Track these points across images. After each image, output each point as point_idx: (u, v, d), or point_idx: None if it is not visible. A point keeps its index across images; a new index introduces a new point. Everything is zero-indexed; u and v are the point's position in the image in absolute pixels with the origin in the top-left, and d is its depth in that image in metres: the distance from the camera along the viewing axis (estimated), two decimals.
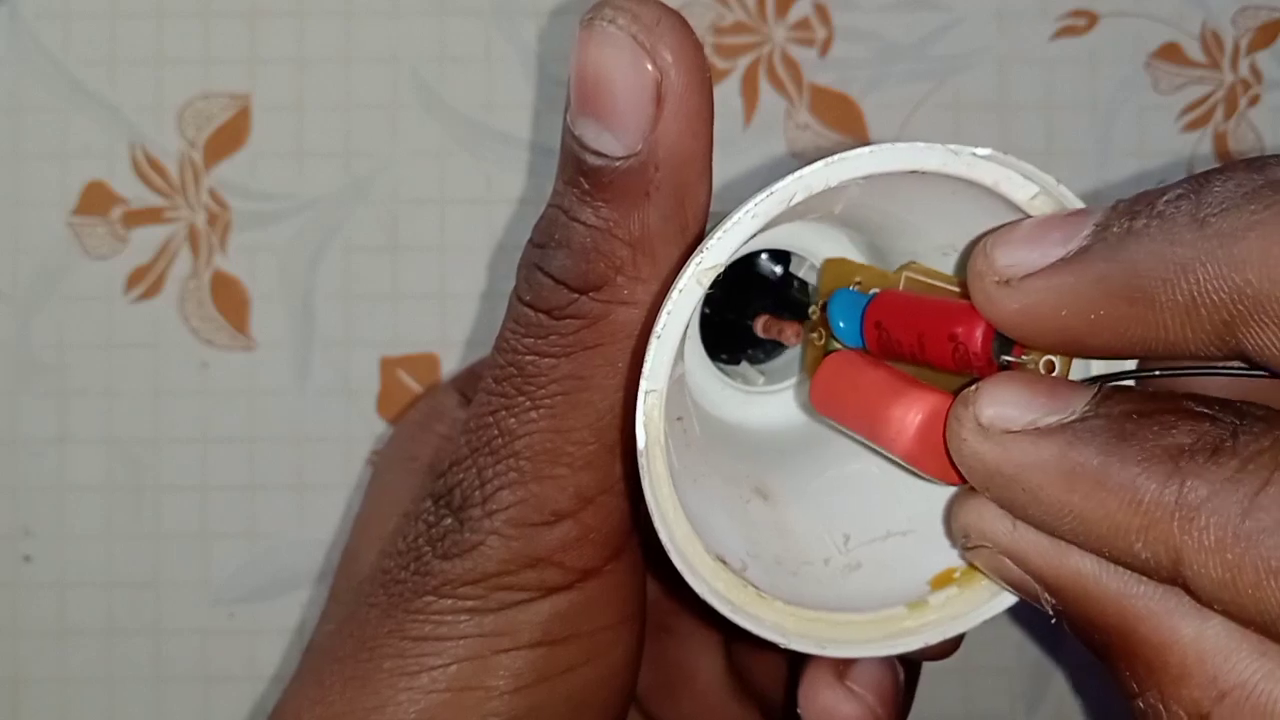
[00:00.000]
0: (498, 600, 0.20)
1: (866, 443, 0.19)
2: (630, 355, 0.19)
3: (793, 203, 0.17)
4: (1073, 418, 0.16)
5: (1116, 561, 0.16)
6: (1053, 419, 0.16)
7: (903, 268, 0.20)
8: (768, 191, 0.17)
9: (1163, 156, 0.34)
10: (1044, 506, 0.16)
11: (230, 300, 0.33)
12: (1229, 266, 0.14)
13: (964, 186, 0.18)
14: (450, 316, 0.34)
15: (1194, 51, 0.34)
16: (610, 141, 0.18)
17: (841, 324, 0.20)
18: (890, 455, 0.18)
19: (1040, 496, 0.16)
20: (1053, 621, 0.17)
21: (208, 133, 0.34)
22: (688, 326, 0.18)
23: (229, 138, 0.34)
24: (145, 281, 0.33)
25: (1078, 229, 0.16)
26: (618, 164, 0.18)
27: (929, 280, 0.19)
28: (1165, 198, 0.15)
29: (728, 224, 0.17)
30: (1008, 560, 0.17)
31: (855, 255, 0.22)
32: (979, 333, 0.17)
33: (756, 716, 0.26)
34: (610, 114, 0.18)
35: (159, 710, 0.33)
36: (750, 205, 0.17)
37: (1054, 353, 0.17)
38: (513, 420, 0.20)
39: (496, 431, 0.20)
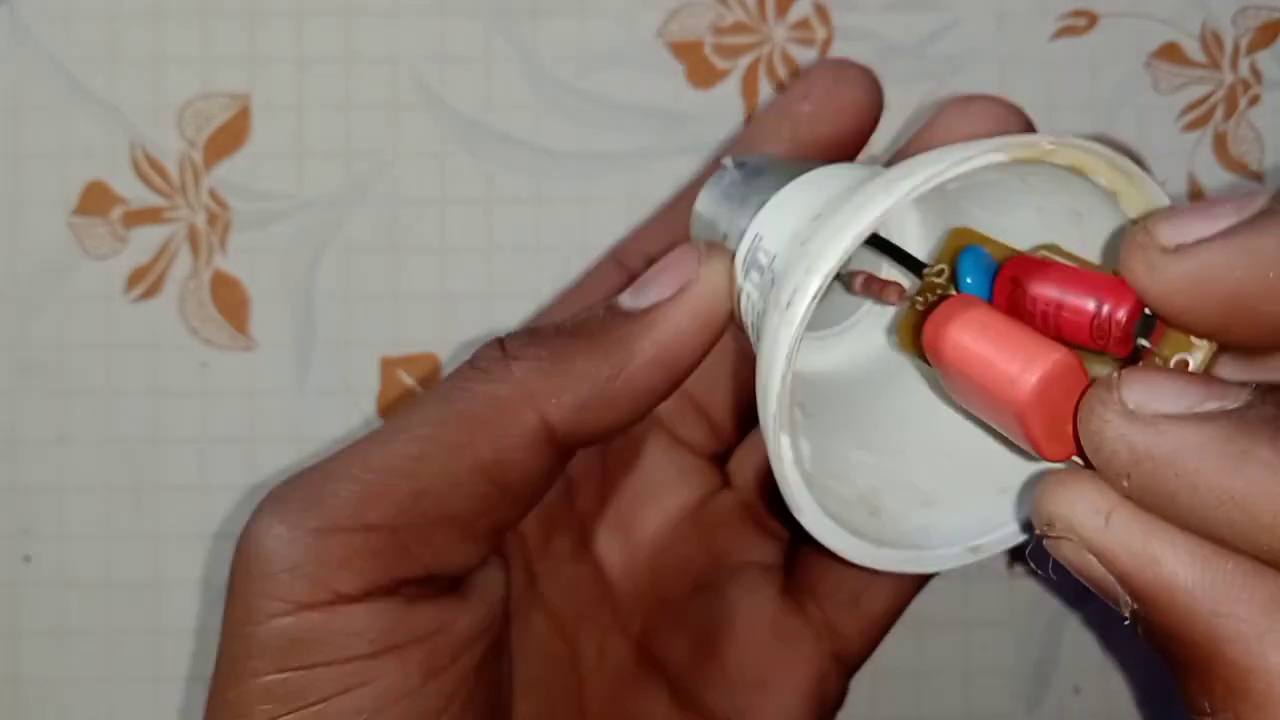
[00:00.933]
0: (257, 611, 0.20)
1: (962, 401, 0.19)
2: (485, 425, 0.21)
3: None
4: (1238, 405, 0.16)
5: (1268, 556, 0.15)
6: (1213, 405, 0.16)
7: (1039, 247, 0.19)
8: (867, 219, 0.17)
9: (1163, 157, 0.34)
10: (1202, 493, 0.15)
11: (230, 300, 0.34)
12: None
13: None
14: (450, 316, 0.34)
15: (1194, 52, 0.34)
16: (631, 299, 0.22)
17: (970, 279, 0.19)
18: (996, 415, 0.18)
19: (1199, 481, 0.15)
20: (1126, 623, 0.17)
21: (208, 133, 0.34)
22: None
23: (229, 138, 0.34)
24: (145, 281, 0.33)
25: (1252, 201, 0.16)
26: (628, 310, 0.22)
27: (1070, 260, 0.19)
28: None
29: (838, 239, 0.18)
30: (1093, 557, 0.17)
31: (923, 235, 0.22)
32: (1128, 305, 0.17)
33: (810, 653, 0.26)
34: (650, 286, 0.22)
35: (159, 710, 0.33)
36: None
37: (1211, 334, 0.17)
38: (378, 444, 0.21)
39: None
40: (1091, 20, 0.34)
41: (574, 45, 0.34)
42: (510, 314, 0.34)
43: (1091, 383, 0.17)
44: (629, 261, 0.30)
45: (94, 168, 0.33)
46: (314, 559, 0.20)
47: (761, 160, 0.24)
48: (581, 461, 0.27)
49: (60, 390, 0.33)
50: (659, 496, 0.28)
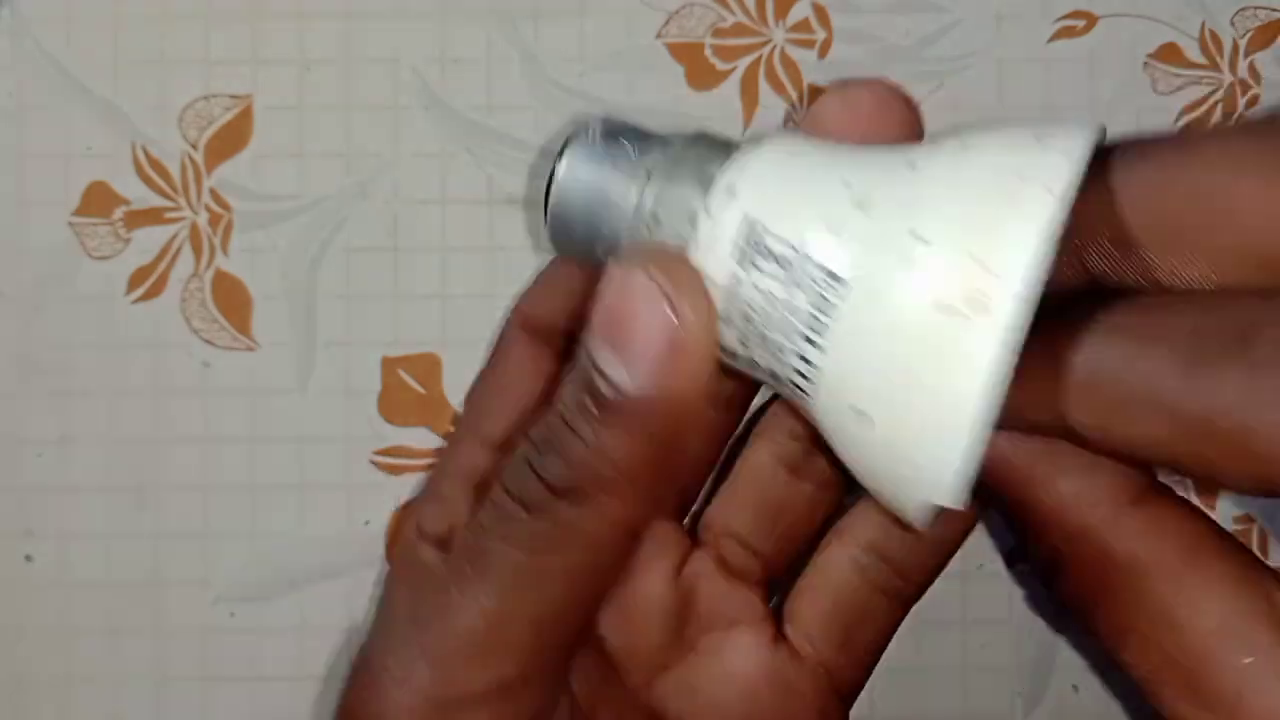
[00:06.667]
0: None
1: None
2: (589, 570, 0.21)
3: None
4: None
5: None
6: None
7: None
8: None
9: None
10: None
11: (232, 300, 0.34)
12: None
13: None
14: (451, 316, 0.34)
15: (1193, 52, 0.35)
16: (624, 376, 0.19)
17: None
18: None
19: None
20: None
21: (209, 134, 0.34)
22: None
23: (231, 139, 0.34)
24: (147, 282, 0.34)
25: None
26: (626, 398, 0.19)
27: None
28: None
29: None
30: None
31: None
32: None
33: (810, 695, 0.26)
34: (628, 350, 0.19)
35: (161, 710, 0.33)
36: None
37: None
38: (459, 595, 0.21)
39: (443, 603, 0.22)
40: (1090, 21, 0.34)
41: (574, 46, 0.34)
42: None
43: None
44: None
45: (96, 168, 0.34)
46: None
47: (631, 124, 0.22)
48: None
49: (62, 390, 0.33)
50: (643, 569, 0.27)
